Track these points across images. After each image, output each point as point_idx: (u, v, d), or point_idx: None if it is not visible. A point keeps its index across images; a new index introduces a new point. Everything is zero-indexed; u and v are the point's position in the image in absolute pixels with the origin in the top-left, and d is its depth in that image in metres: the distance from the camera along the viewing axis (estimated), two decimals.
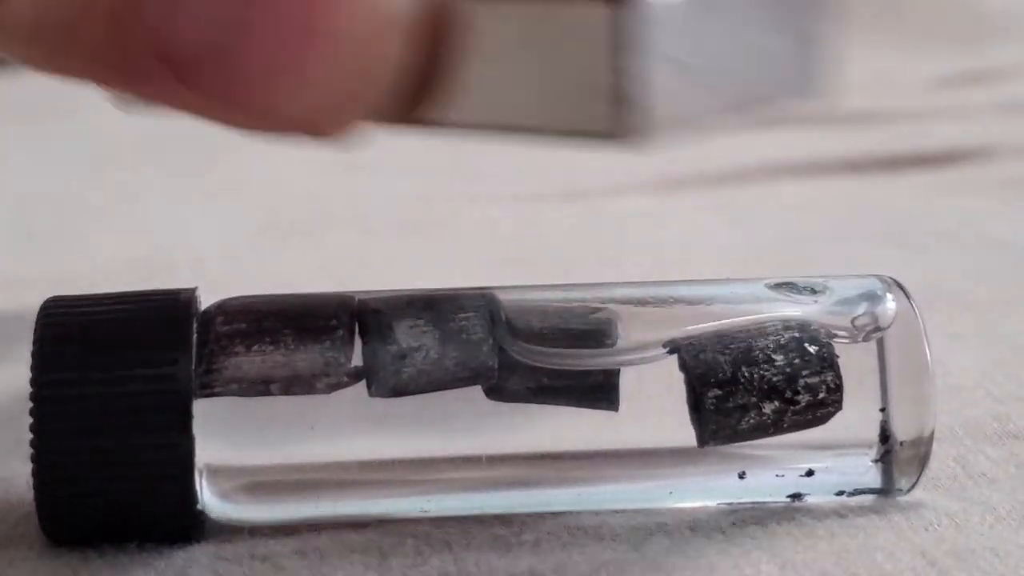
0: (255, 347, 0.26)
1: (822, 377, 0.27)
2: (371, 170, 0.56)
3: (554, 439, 0.27)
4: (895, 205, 0.51)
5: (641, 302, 0.28)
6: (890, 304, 0.28)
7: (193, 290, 0.27)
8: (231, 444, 0.27)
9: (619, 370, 0.27)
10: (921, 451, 0.28)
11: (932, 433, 0.28)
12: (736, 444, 0.27)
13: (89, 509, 0.26)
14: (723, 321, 0.27)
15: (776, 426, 0.27)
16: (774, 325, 0.27)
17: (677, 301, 0.28)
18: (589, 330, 0.27)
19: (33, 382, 0.26)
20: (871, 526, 0.27)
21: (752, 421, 0.27)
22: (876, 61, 0.72)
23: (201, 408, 0.26)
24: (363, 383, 0.26)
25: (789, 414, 0.27)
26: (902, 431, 0.28)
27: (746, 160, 0.56)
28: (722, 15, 0.23)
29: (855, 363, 0.27)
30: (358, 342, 0.27)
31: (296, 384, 0.26)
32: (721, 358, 0.27)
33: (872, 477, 0.28)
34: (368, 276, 0.42)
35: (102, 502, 0.26)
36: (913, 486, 0.28)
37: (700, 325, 0.27)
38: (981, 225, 0.48)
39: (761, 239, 0.47)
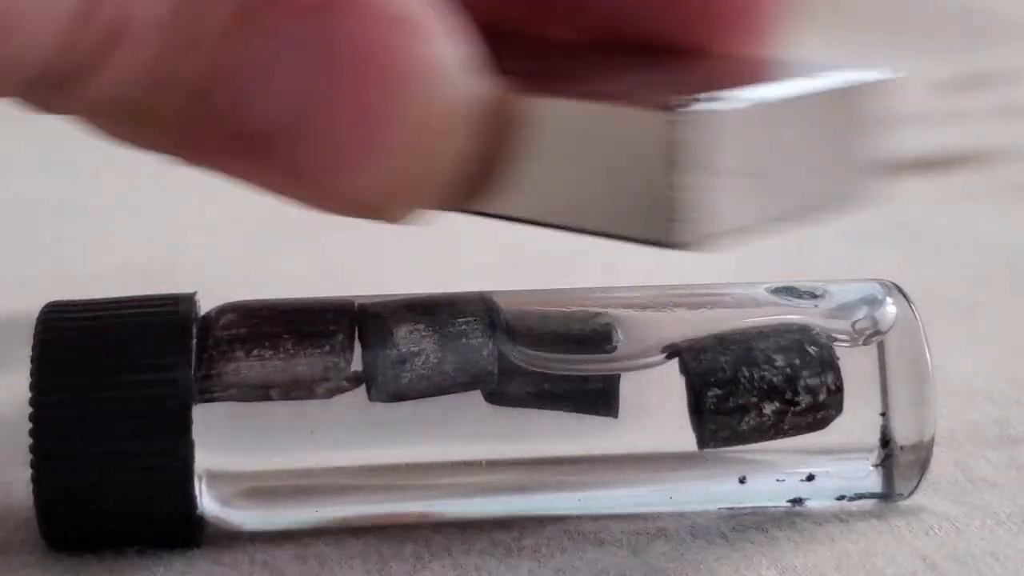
0: (255, 352, 0.26)
1: (822, 378, 0.27)
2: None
3: (554, 444, 0.27)
4: (895, 209, 0.50)
5: (641, 306, 0.28)
6: (890, 308, 0.28)
7: (192, 295, 0.27)
8: (231, 449, 0.27)
9: (619, 376, 0.27)
10: (922, 455, 0.28)
11: (932, 437, 0.28)
12: (736, 448, 0.27)
13: (89, 514, 0.26)
14: (723, 325, 0.27)
15: (776, 428, 0.27)
16: (775, 328, 0.27)
17: (677, 305, 0.28)
18: (589, 335, 0.27)
19: (32, 387, 0.26)
20: (872, 531, 0.27)
21: (752, 422, 0.27)
22: (876, 65, 0.72)
23: (201, 413, 0.26)
24: (363, 388, 0.26)
25: (790, 415, 0.27)
26: (903, 435, 0.28)
27: None
28: (776, 127, 0.23)
29: (855, 368, 0.27)
30: (358, 347, 0.27)
31: (296, 389, 0.26)
32: (721, 359, 0.27)
33: (873, 481, 0.28)
34: (368, 280, 0.42)
35: (102, 507, 0.26)
36: (914, 491, 0.28)
37: (702, 330, 0.27)
38: (982, 229, 0.48)
39: (761, 243, 0.47)
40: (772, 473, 0.28)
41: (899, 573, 0.26)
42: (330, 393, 0.26)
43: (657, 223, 0.22)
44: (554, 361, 0.27)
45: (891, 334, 0.28)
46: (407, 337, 0.26)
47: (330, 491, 0.27)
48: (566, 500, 0.28)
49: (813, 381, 0.27)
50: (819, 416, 0.27)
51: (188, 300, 0.27)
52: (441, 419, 0.27)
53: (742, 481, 0.28)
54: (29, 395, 0.26)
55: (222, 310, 0.27)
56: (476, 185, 0.23)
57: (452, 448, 0.27)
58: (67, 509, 0.26)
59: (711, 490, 0.28)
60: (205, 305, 0.27)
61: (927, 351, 0.28)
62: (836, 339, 0.27)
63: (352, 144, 0.22)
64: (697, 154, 0.22)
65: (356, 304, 0.27)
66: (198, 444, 0.26)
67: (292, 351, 0.26)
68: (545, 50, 0.27)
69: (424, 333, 0.26)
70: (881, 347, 0.28)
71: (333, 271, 0.44)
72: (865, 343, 0.28)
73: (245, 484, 0.27)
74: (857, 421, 0.27)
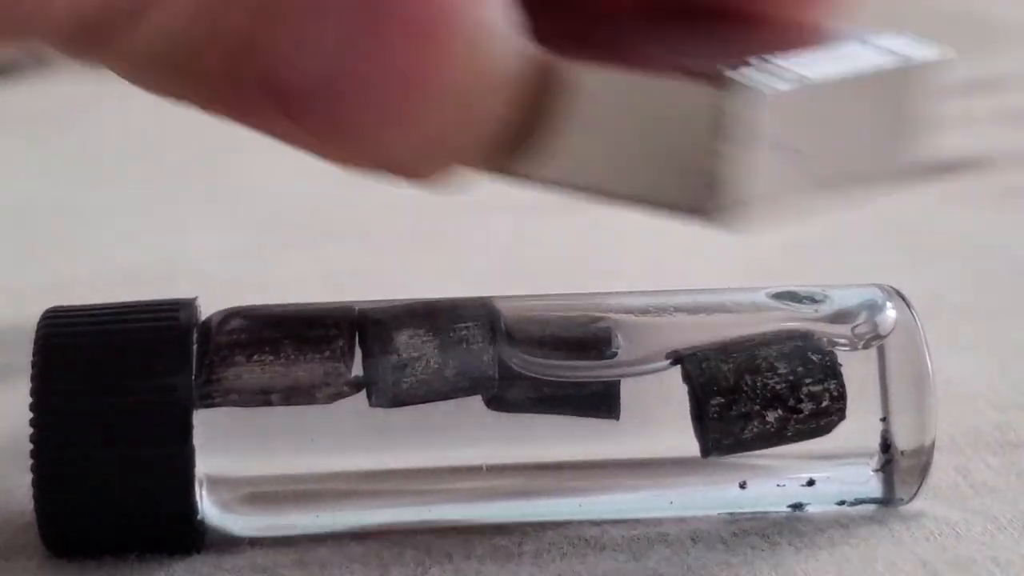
0: (255, 357, 0.26)
1: (825, 385, 0.27)
2: (372, 179, 0.56)
3: (555, 449, 0.27)
4: (895, 214, 0.50)
5: (641, 311, 0.28)
6: (890, 313, 0.28)
7: (193, 300, 0.27)
8: (231, 455, 0.27)
9: (619, 381, 0.27)
10: (922, 460, 0.28)
11: (933, 442, 0.28)
12: (739, 455, 0.27)
13: (89, 520, 0.26)
14: (725, 331, 0.27)
15: (779, 435, 0.27)
16: (777, 335, 0.27)
17: (677, 310, 0.28)
18: (589, 340, 0.27)
19: (33, 392, 0.26)
20: (872, 536, 0.27)
21: (755, 429, 0.27)
22: None
23: (201, 419, 0.26)
24: (363, 393, 0.26)
25: (792, 423, 0.27)
26: (903, 440, 0.28)
27: None
28: (825, 102, 0.22)
29: (856, 373, 0.27)
30: (358, 352, 0.27)
31: (296, 394, 0.26)
32: (724, 367, 0.27)
33: (873, 487, 0.28)
34: (368, 286, 0.42)
35: (102, 513, 0.26)
36: (914, 496, 0.28)
37: (702, 335, 0.27)
38: (982, 234, 0.48)
39: (761, 248, 0.47)
40: (773, 478, 0.28)
41: None
42: (331, 398, 0.26)
43: (693, 191, 0.22)
44: (555, 366, 0.27)
45: (891, 339, 0.28)
46: (408, 342, 0.26)
47: (331, 496, 0.27)
48: (567, 505, 0.28)
49: (816, 388, 0.27)
50: (822, 423, 0.27)
51: (188, 305, 0.27)
52: (442, 424, 0.27)
53: (743, 486, 0.28)
54: (29, 400, 0.26)
55: (223, 315, 0.27)
56: (513, 150, 0.23)
57: (453, 453, 0.27)
58: (67, 514, 0.26)
59: (712, 495, 0.28)
60: (206, 310, 0.27)
61: (927, 356, 0.28)
62: (836, 344, 0.27)
63: (391, 102, 0.22)
64: (743, 125, 0.21)
65: (357, 309, 0.27)
66: (198, 449, 0.26)
67: (292, 356, 0.26)
68: (590, 15, 0.26)
69: (425, 338, 0.26)
70: (881, 352, 0.28)
71: (334, 276, 0.44)
72: (865, 348, 0.28)
73: (245, 489, 0.27)
74: (857, 426, 0.27)
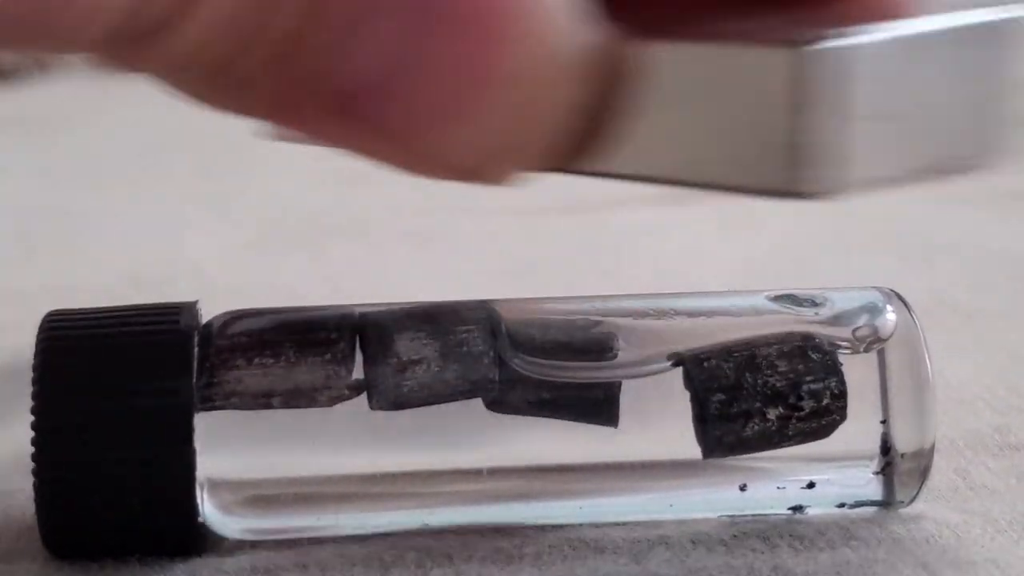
0: (256, 360, 0.26)
1: (826, 383, 0.27)
2: (372, 182, 0.56)
3: (555, 452, 0.28)
4: (895, 217, 0.51)
5: (641, 314, 0.28)
6: (890, 316, 0.28)
7: (194, 303, 0.27)
8: (232, 457, 0.27)
9: (619, 384, 0.27)
10: (922, 463, 0.28)
11: (933, 445, 0.28)
12: (740, 456, 0.27)
13: (91, 523, 0.26)
14: (726, 334, 0.27)
15: (781, 434, 0.27)
16: (777, 335, 0.27)
17: (677, 313, 0.28)
18: (590, 343, 0.27)
19: (34, 396, 0.26)
20: (872, 538, 0.27)
21: (757, 427, 0.27)
22: None
23: (202, 422, 0.26)
24: (364, 396, 0.27)
25: (793, 421, 0.27)
26: (903, 443, 0.28)
27: None
28: (912, 65, 0.21)
29: (856, 375, 0.27)
30: (359, 355, 0.27)
31: (297, 397, 0.26)
32: (725, 365, 0.27)
33: (873, 489, 0.28)
34: (369, 289, 0.42)
35: (103, 516, 0.26)
36: (914, 498, 0.28)
37: (703, 338, 0.27)
38: (981, 236, 0.48)
39: (762, 251, 0.47)
40: (773, 481, 0.28)
41: None
42: (331, 401, 0.26)
43: (783, 171, 0.20)
44: (555, 369, 0.27)
45: (891, 342, 0.28)
46: (408, 345, 0.26)
47: (332, 499, 0.27)
48: (567, 508, 0.28)
49: (816, 386, 0.27)
50: (823, 422, 0.27)
51: (190, 309, 0.27)
52: (442, 427, 0.27)
53: (743, 489, 0.28)
54: (31, 404, 0.26)
55: (224, 319, 0.27)
56: (583, 142, 0.22)
57: (453, 456, 0.27)
58: (69, 517, 0.26)
59: (712, 498, 0.28)
60: (207, 313, 0.27)
61: (927, 359, 0.28)
62: (837, 346, 0.27)
63: (450, 101, 0.21)
64: (827, 93, 0.20)
65: (357, 312, 0.27)
66: (200, 452, 0.26)
67: (293, 359, 0.26)
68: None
69: (425, 341, 0.27)
70: (881, 355, 0.28)
71: (334, 279, 0.44)
72: (866, 350, 0.28)
73: (247, 492, 0.27)
74: (857, 428, 0.27)
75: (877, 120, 0.21)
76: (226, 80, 0.22)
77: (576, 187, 0.56)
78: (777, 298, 0.28)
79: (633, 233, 0.49)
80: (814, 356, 0.27)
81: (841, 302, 0.28)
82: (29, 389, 0.26)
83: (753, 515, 0.28)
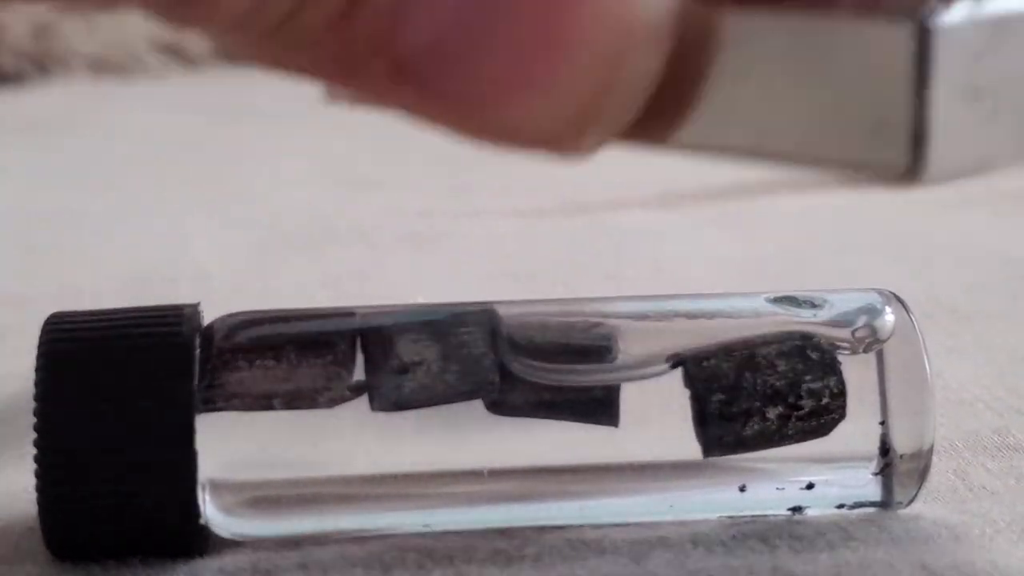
0: (257, 362, 0.26)
1: (825, 382, 0.27)
2: (373, 185, 0.56)
3: (555, 453, 0.28)
4: (894, 218, 0.51)
5: (641, 316, 0.28)
6: (889, 317, 0.28)
7: (196, 305, 0.28)
8: (234, 459, 0.27)
9: (619, 385, 0.27)
10: (921, 464, 0.28)
11: (932, 446, 0.28)
12: (739, 456, 0.27)
13: (93, 524, 0.26)
14: (725, 336, 0.27)
15: (780, 433, 0.27)
16: (777, 334, 0.27)
17: (677, 315, 0.28)
18: (589, 345, 0.27)
19: (37, 398, 0.26)
20: (871, 539, 0.27)
21: (756, 427, 0.27)
22: None
23: (204, 423, 0.26)
24: (365, 398, 0.27)
25: (793, 420, 0.27)
26: (902, 444, 0.28)
27: (746, 174, 0.56)
28: (1015, 40, 0.20)
29: (855, 377, 0.27)
30: (360, 357, 0.27)
31: (298, 399, 0.26)
32: (724, 365, 0.27)
33: (872, 490, 0.28)
34: (370, 291, 0.43)
35: (105, 517, 0.26)
36: (913, 499, 0.28)
37: (702, 340, 0.27)
38: (980, 238, 0.48)
39: (761, 253, 0.47)
40: (772, 482, 0.28)
41: None
42: (332, 403, 0.27)
43: (873, 147, 0.19)
44: (555, 371, 0.27)
45: (890, 343, 0.28)
46: (409, 347, 0.27)
47: (333, 500, 0.27)
48: (567, 509, 0.28)
49: (815, 385, 0.27)
50: (822, 421, 0.27)
51: (191, 311, 0.27)
52: (443, 429, 0.27)
53: (742, 490, 0.28)
54: (33, 405, 0.26)
55: (225, 320, 0.27)
56: (662, 112, 0.21)
57: (454, 457, 0.27)
58: (71, 518, 0.26)
59: (712, 499, 0.28)
60: (208, 315, 0.28)
61: (926, 360, 0.28)
62: (836, 347, 0.27)
63: (523, 68, 0.20)
64: (926, 66, 0.19)
65: (358, 314, 0.27)
66: (201, 454, 0.26)
67: (295, 361, 0.26)
68: None
69: (426, 343, 0.27)
70: (880, 356, 0.28)
71: (336, 281, 0.44)
72: (865, 351, 0.28)
73: (248, 493, 0.27)
74: (856, 430, 0.27)
75: (978, 95, 0.20)
76: (287, 38, 0.21)
77: (576, 189, 0.56)
78: (776, 300, 0.28)
79: (633, 235, 0.50)
80: (813, 355, 0.27)
81: (840, 304, 0.28)
82: (31, 391, 0.26)
83: (753, 516, 0.28)
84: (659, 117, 0.21)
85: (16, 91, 0.77)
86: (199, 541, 0.27)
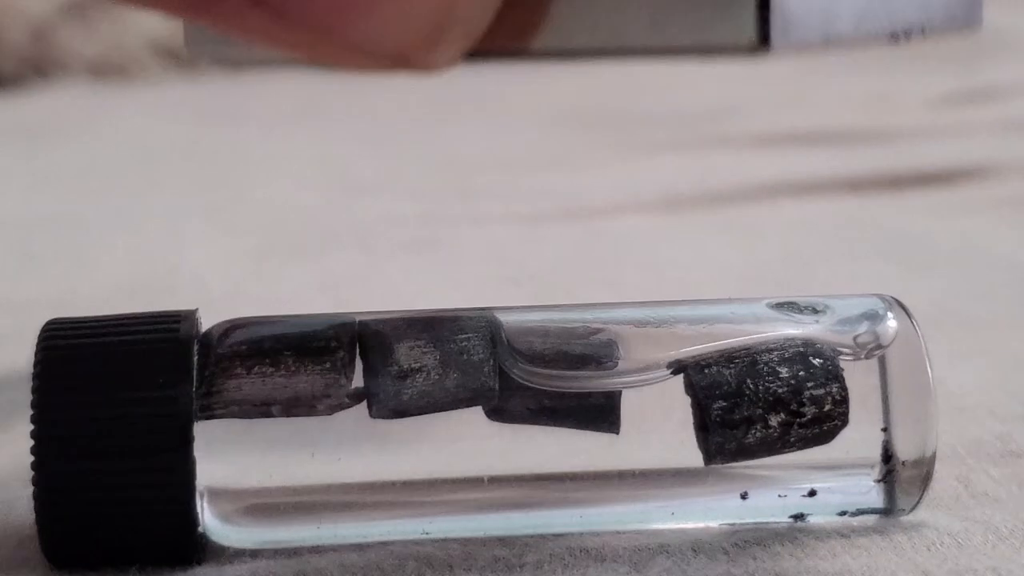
0: (256, 369, 0.26)
1: (827, 389, 0.27)
2: (372, 190, 0.56)
3: (555, 460, 0.27)
4: (896, 224, 0.51)
5: (642, 323, 0.28)
6: (891, 323, 0.28)
7: (194, 312, 0.27)
8: (232, 466, 0.27)
9: (620, 392, 0.27)
10: (923, 471, 0.28)
11: (934, 453, 0.28)
12: (741, 463, 0.27)
13: (90, 532, 0.26)
14: (726, 340, 0.27)
15: (783, 441, 0.27)
16: (779, 341, 0.27)
17: (678, 321, 0.28)
18: (590, 351, 0.27)
19: (34, 405, 0.26)
20: (873, 546, 0.27)
21: (759, 434, 0.27)
22: (876, 80, 0.73)
23: (202, 430, 0.26)
24: (364, 404, 0.26)
25: (795, 427, 0.27)
26: (904, 451, 0.28)
27: (747, 179, 0.56)
28: None
29: (857, 383, 0.27)
30: (359, 364, 0.27)
31: (297, 406, 0.26)
32: (726, 372, 0.27)
33: (874, 497, 0.28)
34: (369, 297, 0.42)
35: (103, 525, 0.26)
36: (915, 506, 0.28)
37: (703, 344, 0.27)
38: (982, 244, 0.48)
39: (762, 258, 0.47)
40: (774, 489, 0.28)
41: None
42: (331, 410, 0.26)
43: (737, 23, 0.19)
44: (555, 377, 0.27)
45: (892, 349, 0.28)
46: (408, 354, 0.26)
47: (332, 508, 0.27)
48: (568, 516, 0.28)
49: (818, 392, 0.27)
50: (825, 428, 0.27)
51: (189, 317, 0.27)
52: (442, 436, 0.27)
53: (744, 497, 0.28)
54: (30, 412, 0.26)
55: (223, 327, 0.27)
56: (519, 19, 0.21)
57: (454, 464, 0.27)
58: (68, 526, 0.26)
59: (713, 506, 0.28)
60: (206, 322, 0.27)
61: (928, 366, 0.28)
62: (839, 353, 0.27)
63: None
64: None
65: (357, 321, 0.27)
66: (199, 461, 0.26)
67: (293, 368, 0.26)
68: None
69: (425, 349, 0.27)
70: (882, 362, 0.28)
71: (334, 288, 0.44)
72: (867, 357, 0.28)
73: (246, 501, 0.27)
74: (859, 436, 0.27)
75: None
76: None
77: (577, 194, 0.56)
78: (778, 306, 0.28)
79: (633, 240, 0.50)
80: (815, 361, 0.27)
81: (842, 309, 0.28)
82: (29, 398, 0.26)
83: (754, 523, 0.28)
84: (513, 24, 0.21)
85: (14, 95, 0.77)
86: (197, 549, 0.27)
